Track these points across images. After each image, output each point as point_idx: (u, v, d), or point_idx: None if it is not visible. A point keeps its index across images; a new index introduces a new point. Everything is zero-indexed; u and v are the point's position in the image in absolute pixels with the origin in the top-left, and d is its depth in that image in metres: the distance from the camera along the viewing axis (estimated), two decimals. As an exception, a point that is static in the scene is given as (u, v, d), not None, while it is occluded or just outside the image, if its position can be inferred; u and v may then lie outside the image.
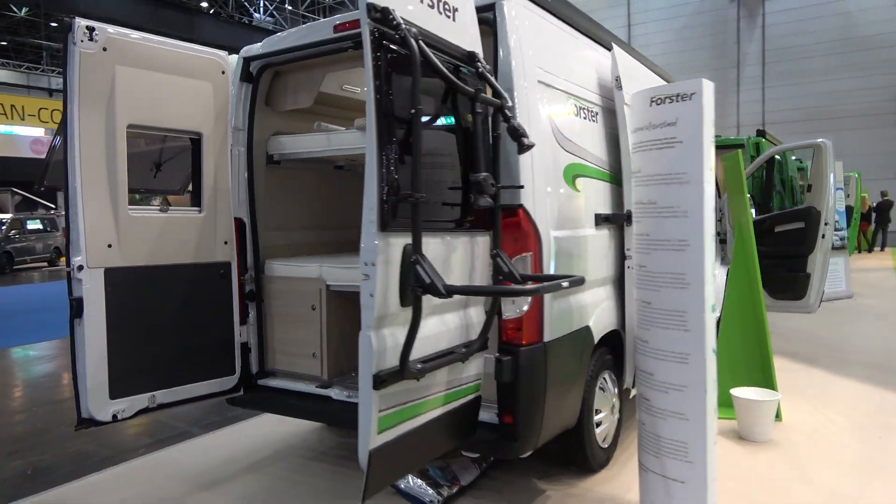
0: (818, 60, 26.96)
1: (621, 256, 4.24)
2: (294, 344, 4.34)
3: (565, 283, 2.79)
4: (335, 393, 4.06)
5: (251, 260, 4.37)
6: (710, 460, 3.06)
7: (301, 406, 4.17)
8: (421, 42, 2.54)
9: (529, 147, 2.89)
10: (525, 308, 3.32)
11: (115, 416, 3.68)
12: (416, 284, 2.53)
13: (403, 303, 2.63)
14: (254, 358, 4.39)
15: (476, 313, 3.24)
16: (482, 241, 3.25)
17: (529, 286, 2.67)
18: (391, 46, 2.55)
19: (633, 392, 4.48)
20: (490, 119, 3.06)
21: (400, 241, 2.60)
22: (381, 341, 2.57)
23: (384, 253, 2.53)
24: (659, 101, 3.09)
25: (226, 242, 4.21)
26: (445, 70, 2.62)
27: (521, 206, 3.27)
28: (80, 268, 3.54)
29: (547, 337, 3.41)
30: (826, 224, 6.97)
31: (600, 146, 4.18)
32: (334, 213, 5.24)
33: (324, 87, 4.53)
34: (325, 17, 32.43)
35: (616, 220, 4.18)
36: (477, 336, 3.17)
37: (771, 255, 7.01)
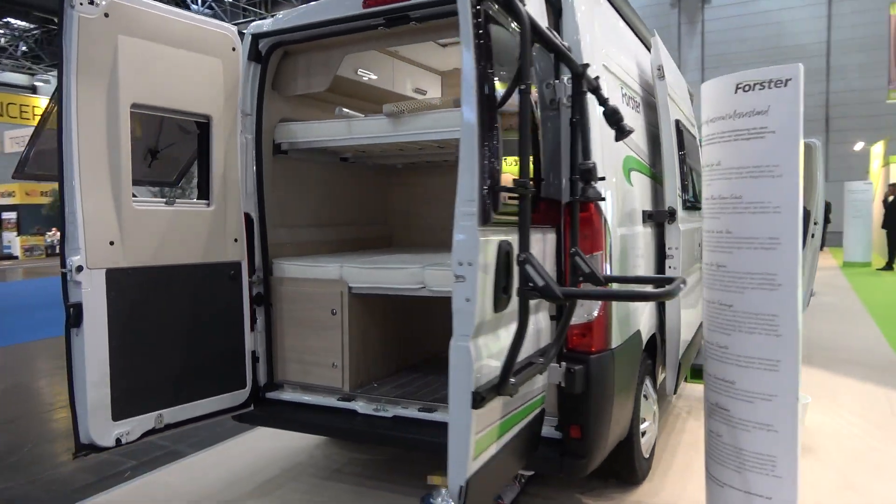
0: (754, 67, 27.84)
1: (661, 255, 4.04)
2: (310, 352, 3.92)
3: (683, 285, 2.52)
4: (360, 406, 3.69)
5: (259, 259, 3.94)
6: (799, 475, 2.86)
7: (320, 421, 3.78)
8: (527, 9, 2.23)
9: (629, 133, 2.62)
10: (595, 313, 3.04)
11: (118, 441, 3.20)
12: (529, 287, 2.20)
13: (497, 308, 2.31)
14: (262, 368, 3.95)
15: (543, 318, 2.95)
16: (550, 238, 2.96)
17: (665, 288, 2.38)
18: (490, 14, 2.23)
19: (673, 399, 4.28)
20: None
21: (497, 238, 2.27)
22: (479, 352, 2.23)
23: (483, 251, 2.20)
24: (747, 88, 2.86)
25: (236, 240, 3.77)
26: (559, 41, 2.31)
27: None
28: (79, 269, 3.04)
29: (613, 343, 3.16)
30: (815, 223, 7.00)
31: (644, 139, 3.96)
32: (341, 209, 4.84)
33: (339, 71, 4.13)
34: (266, 10, 31.28)
35: (658, 218, 3.97)
36: (549, 344, 2.87)
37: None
